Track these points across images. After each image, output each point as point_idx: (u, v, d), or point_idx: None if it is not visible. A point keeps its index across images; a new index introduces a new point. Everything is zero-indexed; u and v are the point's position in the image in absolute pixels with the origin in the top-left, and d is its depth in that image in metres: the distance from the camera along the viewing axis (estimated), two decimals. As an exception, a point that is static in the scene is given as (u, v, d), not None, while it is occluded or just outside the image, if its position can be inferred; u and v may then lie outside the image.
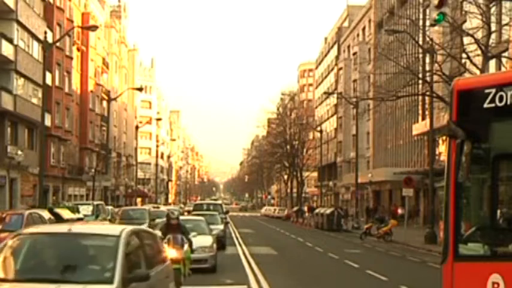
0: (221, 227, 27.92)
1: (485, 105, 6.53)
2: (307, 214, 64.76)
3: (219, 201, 57.76)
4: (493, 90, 6.48)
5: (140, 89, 73.76)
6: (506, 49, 31.12)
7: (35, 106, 41.88)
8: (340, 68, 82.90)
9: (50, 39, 41.47)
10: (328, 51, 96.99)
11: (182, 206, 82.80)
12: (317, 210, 56.01)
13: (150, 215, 32.12)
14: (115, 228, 9.22)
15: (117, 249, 7.38)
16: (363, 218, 54.60)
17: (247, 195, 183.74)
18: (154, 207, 53.61)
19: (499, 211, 6.79)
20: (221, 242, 25.56)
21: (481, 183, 6.90)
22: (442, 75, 28.89)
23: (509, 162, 6.76)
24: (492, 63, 31.10)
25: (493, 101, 6.48)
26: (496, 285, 6.28)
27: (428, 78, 31.80)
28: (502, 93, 6.41)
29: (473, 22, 28.46)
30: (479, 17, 26.85)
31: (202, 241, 17.45)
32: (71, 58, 55.30)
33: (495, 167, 6.62)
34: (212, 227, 23.29)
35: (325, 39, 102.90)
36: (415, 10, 51.12)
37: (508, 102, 6.34)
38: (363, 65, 64.90)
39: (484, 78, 7.87)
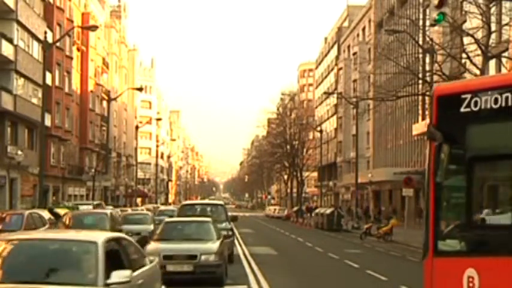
0: (214, 246, 15.66)
1: (462, 110, 7.00)
2: (307, 214, 64.83)
3: (220, 202, 31.11)
4: (469, 96, 6.96)
5: (140, 89, 73.79)
6: (506, 49, 31.08)
7: (35, 106, 41.88)
8: (340, 68, 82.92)
9: (50, 39, 41.51)
10: (328, 51, 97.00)
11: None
12: (317, 210, 56.01)
13: (115, 221, 22.45)
14: None
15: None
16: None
17: (247, 195, 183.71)
18: (154, 208, 53.71)
19: (474, 209, 7.18)
20: (217, 282, 15.31)
21: (459, 183, 7.28)
22: (442, 75, 28.84)
23: (483, 164, 7.18)
24: (492, 63, 31.08)
25: (468, 105, 6.95)
26: (471, 279, 6.72)
27: (428, 78, 31.76)
28: (477, 98, 6.88)
29: (473, 22, 28.44)
30: (479, 17, 26.82)
31: None
32: (71, 58, 55.32)
33: (471, 168, 7.04)
34: (198, 246, 15.34)
35: (325, 39, 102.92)
36: (415, 10, 51.10)
37: (482, 107, 6.81)
38: (363, 65, 64.88)
39: (461, 84, 8.36)
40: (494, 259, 6.69)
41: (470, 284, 6.75)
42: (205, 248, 15.43)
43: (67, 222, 21.00)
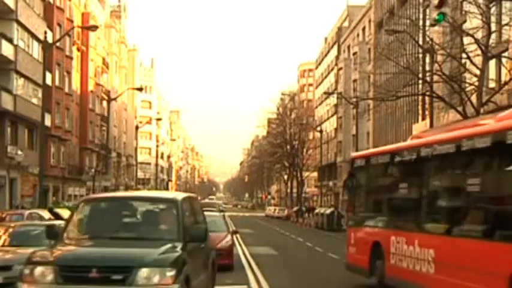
0: None
1: (355, 165, 16.71)
2: (306, 214, 64.77)
3: (173, 195, 11.59)
4: (358, 160, 16.84)
5: (140, 89, 73.80)
6: (506, 49, 31.05)
7: (35, 106, 41.89)
8: (340, 68, 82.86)
9: (50, 39, 41.52)
10: (328, 51, 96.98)
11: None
12: (317, 210, 55.98)
13: None
14: None
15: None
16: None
17: (247, 195, 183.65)
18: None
19: (355, 206, 16.77)
20: None
21: (353, 194, 16.83)
22: (442, 75, 28.85)
23: (359, 188, 16.40)
24: (492, 63, 31.08)
25: (357, 164, 16.69)
26: (352, 238, 16.26)
27: (428, 78, 31.73)
28: (358, 161, 16.80)
29: (473, 22, 28.42)
30: (479, 17, 26.80)
31: None
32: (71, 58, 55.34)
33: (356, 189, 16.55)
34: None
35: (325, 39, 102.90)
36: (415, 10, 51.07)
37: (357, 166, 16.62)
38: (363, 65, 64.84)
39: (359, 153, 19.18)
40: (359, 228, 15.92)
41: (352, 240, 16.25)
42: None
43: None
